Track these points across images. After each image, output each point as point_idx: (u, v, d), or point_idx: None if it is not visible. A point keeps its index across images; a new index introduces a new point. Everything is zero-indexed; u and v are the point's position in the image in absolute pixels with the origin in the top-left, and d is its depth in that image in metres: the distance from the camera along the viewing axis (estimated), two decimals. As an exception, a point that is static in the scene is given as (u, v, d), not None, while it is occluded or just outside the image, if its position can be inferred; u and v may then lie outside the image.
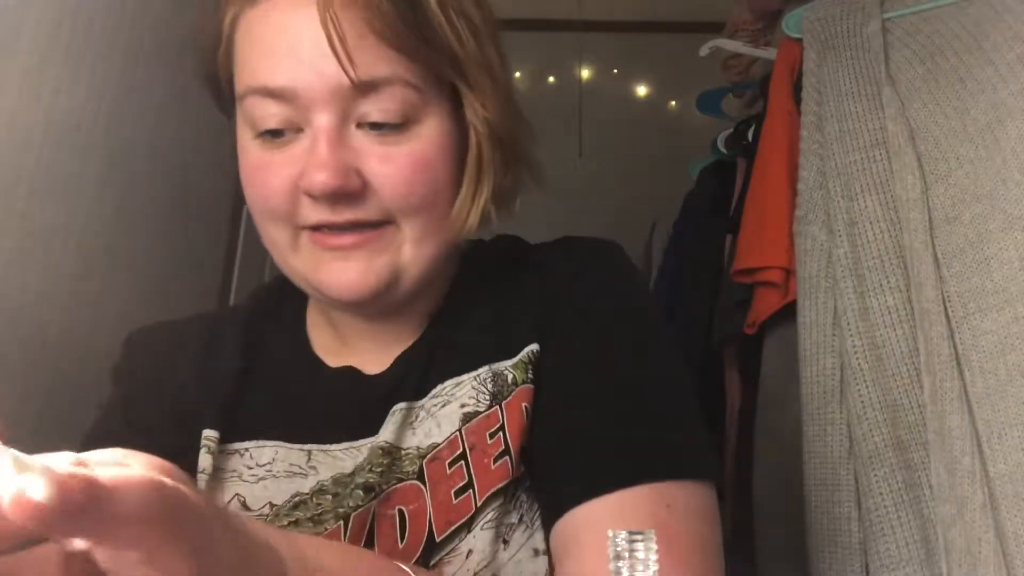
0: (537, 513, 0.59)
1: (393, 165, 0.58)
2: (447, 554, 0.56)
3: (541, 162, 0.68)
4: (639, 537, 0.32)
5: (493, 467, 0.58)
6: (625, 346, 0.62)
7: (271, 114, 0.58)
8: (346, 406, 0.64)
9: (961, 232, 1.05)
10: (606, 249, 0.68)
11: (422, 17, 0.57)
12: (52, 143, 0.89)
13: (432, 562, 0.56)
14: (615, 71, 2.83)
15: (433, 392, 0.62)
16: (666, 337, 0.65)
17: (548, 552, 0.57)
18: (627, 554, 0.31)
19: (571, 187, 2.34)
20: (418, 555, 0.56)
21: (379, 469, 0.59)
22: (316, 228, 0.59)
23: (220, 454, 0.63)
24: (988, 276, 1.01)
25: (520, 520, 0.58)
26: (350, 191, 0.57)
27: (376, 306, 0.63)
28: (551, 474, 0.58)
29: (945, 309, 1.04)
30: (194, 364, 0.68)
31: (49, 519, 0.24)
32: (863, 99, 1.18)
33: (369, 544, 0.58)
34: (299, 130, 0.58)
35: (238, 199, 1.35)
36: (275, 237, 0.62)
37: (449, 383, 0.62)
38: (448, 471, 0.58)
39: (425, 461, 0.59)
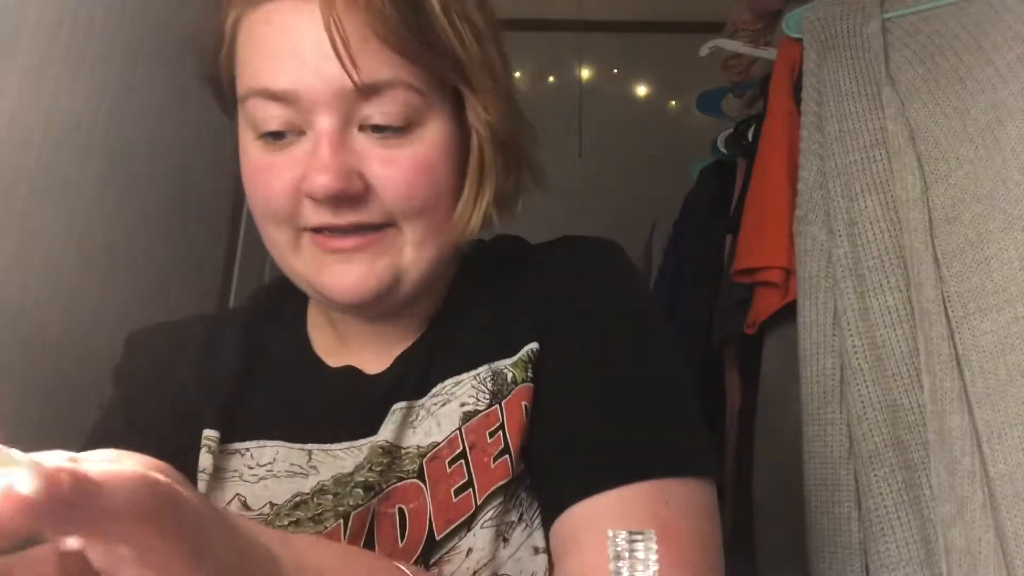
0: (537, 511, 0.59)
1: (395, 168, 0.58)
2: (447, 552, 0.56)
3: (542, 164, 0.68)
4: (639, 537, 0.32)
5: (493, 466, 0.58)
6: (624, 345, 0.62)
7: (273, 116, 0.58)
8: (346, 406, 0.64)
9: (961, 232, 1.05)
10: (606, 248, 0.68)
11: (425, 21, 0.57)
12: (52, 143, 0.89)
13: (432, 560, 0.56)
14: (615, 71, 2.83)
15: (433, 391, 0.62)
16: (666, 336, 0.65)
17: (548, 550, 0.58)
18: (627, 554, 0.31)
19: (571, 187, 2.34)
20: (418, 553, 0.56)
21: (379, 468, 0.59)
22: (318, 230, 0.60)
23: (221, 454, 0.63)
24: (988, 276, 1.01)
25: (520, 518, 0.58)
26: (352, 194, 0.57)
27: (377, 308, 0.63)
28: (551, 472, 0.58)
29: (945, 309, 1.04)
30: (195, 364, 0.68)
31: (37, 513, 0.24)
32: (863, 99, 1.18)
33: (369, 543, 0.58)
34: (301, 132, 0.58)
35: (238, 199, 1.35)
36: (276, 238, 0.62)
37: (449, 382, 0.62)
38: (448, 470, 0.59)
39: (425, 460, 0.59)
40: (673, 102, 2.80)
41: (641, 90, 2.83)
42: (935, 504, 1.01)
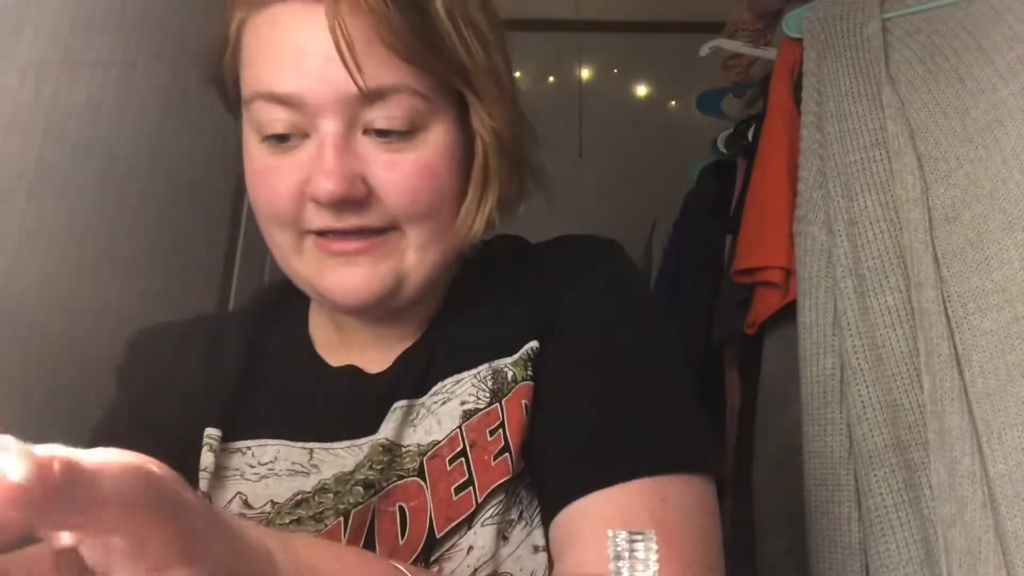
0: (537, 510, 0.59)
1: (399, 172, 0.58)
2: (448, 550, 0.56)
3: (544, 167, 0.68)
4: (639, 537, 0.32)
5: (493, 464, 0.58)
6: (624, 343, 0.62)
7: (277, 119, 0.58)
8: (348, 404, 0.65)
9: (961, 232, 1.05)
10: (606, 248, 0.68)
11: (430, 26, 0.58)
12: (52, 143, 0.89)
13: (433, 558, 0.56)
14: (615, 71, 2.83)
15: (434, 390, 0.63)
16: (665, 335, 0.65)
17: (547, 549, 0.58)
18: (627, 554, 0.31)
19: (571, 187, 2.35)
20: (418, 551, 0.56)
21: (379, 466, 0.59)
22: (321, 233, 0.60)
23: (222, 452, 0.63)
24: (988, 276, 1.01)
25: (520, 517, 0.58)
26: (355, 198, 0.58)
27: (379, 311, 0.63)
28: (550, 470, 0.58)
29: (945, 309, 1.04)
30: (197, 364, 0.68)
31: (29, 501, 0.24)
32: (863, 99, 1.18)
33: (370, 541, 0.58)
34: (305, 135, 0.58)
35: (238, 199, 1.35)
36: (279, 240, 0.62)
37: (449, 381, 0.62)
38: (448, 468, 0.59)
39: (425, 458, 0.60)
40: (673, 102, 2.80)
41: (641, 90, 2.83)
42: (935, 504, 1.01)
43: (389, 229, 0.60)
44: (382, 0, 0.55)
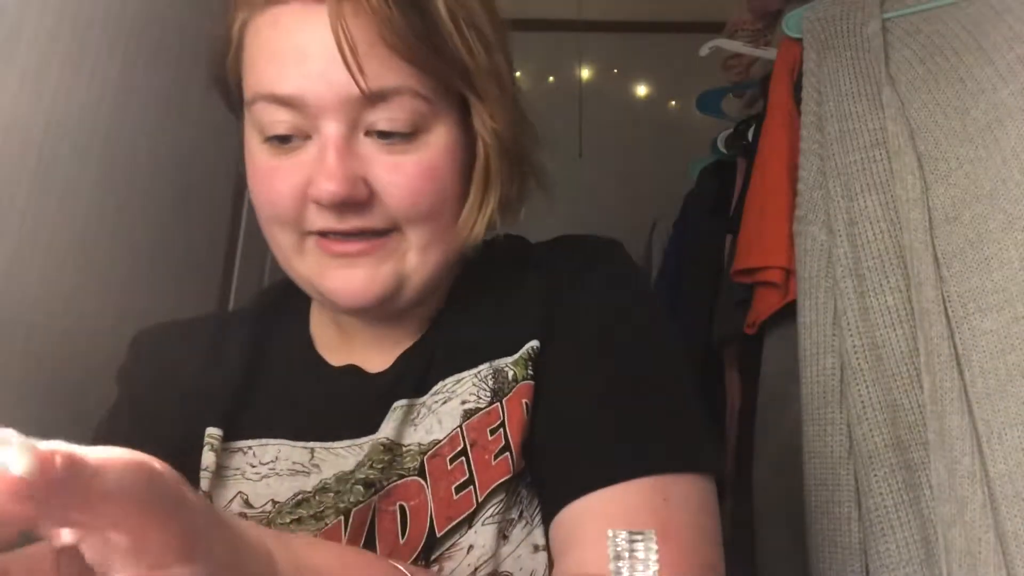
0: (537, 509, 0.59)
1: (400, 174, 0.58)
2: (448, 549, 0.56)
3: (546, 169, 0.68)
4: (639, 537, 0.32)
5: (494, 463, 0.58)
6: (625, 343, 0.62)
7: (279, 120, 0.58)
8: (348, 404, 0.65)
9: (961, 232, 1.05)
10: (606, 247, 0.68)
11: (433, 28, 0.57)
12: (52, 143, 0.89)
13: (433, 557, 0.56)
14: (615, 71, 2.83)
15: (434, 389, 0.63)
16: (667, 334, 0.65)
17: (547, 548, 0.58)
18: (627, 554, 0.31)
19: (571, 187, 2.35)
20: (419, 550, 0.56)
21: (380, 465, 0.59)
22: (322, 234, 0.60)
23: (223, 452, 0.63)
24: (988, 276, 1.01)
25: (520, 516, 0.58)
26: (357, 200, 0.58)
27: (380, 312, 0.63)
28: (551, 469, 0.58)
29: (945, 309, 1.04)
30: (199, 363, 0.68)
31: (31, 494, 0.24)
32: (863, 99, 1.18)
33: (370, 540, 0.58)
34: (307, 137, 0.58)
35: (238, 199, 1.35)
36: (281, 241, 0.62)
37: (450, 380, 0.63)
38: (449, 467, 0.59)
39: (426, 457, 0.60)
40: (673, 102, 2.80)
41: (641, 90, 2.83)
42: (935, 504, 1.01)
43: (390, 230, 0.60)
44: (384, 1, 0.55)
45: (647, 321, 0.65)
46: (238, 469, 0.63)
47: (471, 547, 0.56)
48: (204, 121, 1.13)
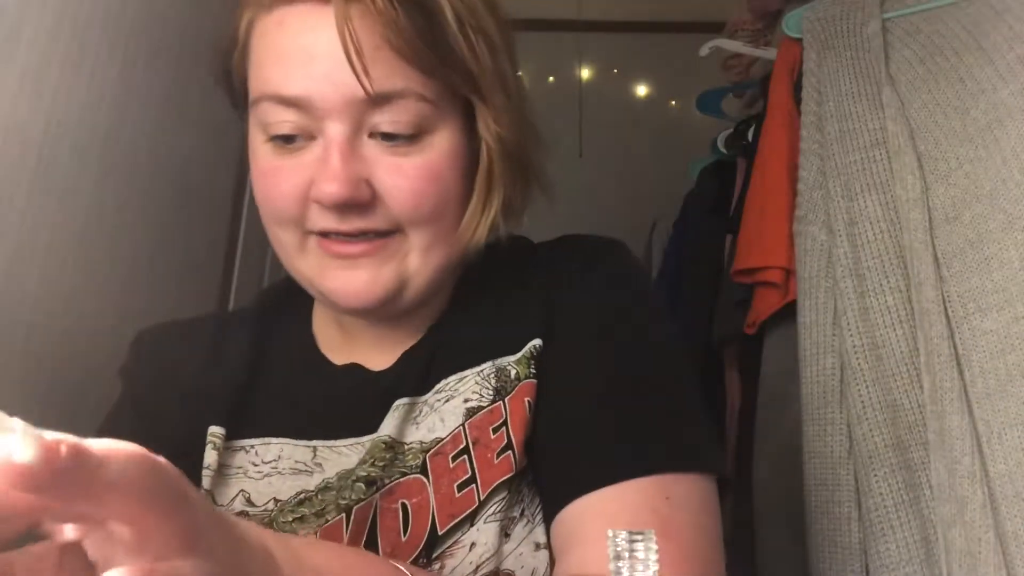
0: (538, 507, 0.59)
1: (403, 176, 0.59)
2: (450, 547, 0.57)
3: (549, 174, 0.68)
4: (639, 537, 0.32)
5: (496, 461, 0.58)
6: (627, 342, 0.62)
7: (284, 121, 0.58)
8: (351, 402, 0.65)
9: (961, 232, 1.05)
10: (607, 247, 0.68)
11: (439, 32, 0.58)
12: (52, 143, 0.89)
13: (435, 555, 0.56)
14: (615, 71, 2.83)
15: (437, 387, 0.63)
16: (668, 333, 0.65)
17: (549, 546, 0.58)
18: (627, 554, 0.31)
19: (571, 187, 2.35)
20: (421, 548, 0.57)
21: (381, 463, 0.60)
22: (324, 234, 0.60)
23: (226, 451, 0.64)
24: (988, 276, 1.01)
25: (522, 514, 0.59)
26: (359, 202, 0.58)
27: (382, 313, 0.63)
28: (552, 468, 0.59)
29: (945, 309, 1.04)
30: (201, 362, 0.69)
31: (36, 482, 0.24)
32: (863, 99, 1.18)
33: (372, 537, 0.58)
34: (311, 137, 0.59)
35: (238, 199, 1.35)
36: (283, 240, 0.62)
37: (452, 378, 0.63)
38: (451, 465, 0.59)
39: (428, 455, 0.60)
40: (673, 102, 2.80)
41: (641, 90, 2.83)
42: (935, 504, 1.01)
43: (392, 232, 0.60)
44: (391, 4, 0.55)
45: (647, 321, 0.65)
46: (240, 468, 0.63)
47: (473, 545, 0.56)
48: (204, 121, 1.13)
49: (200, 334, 0.71)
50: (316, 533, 0.59)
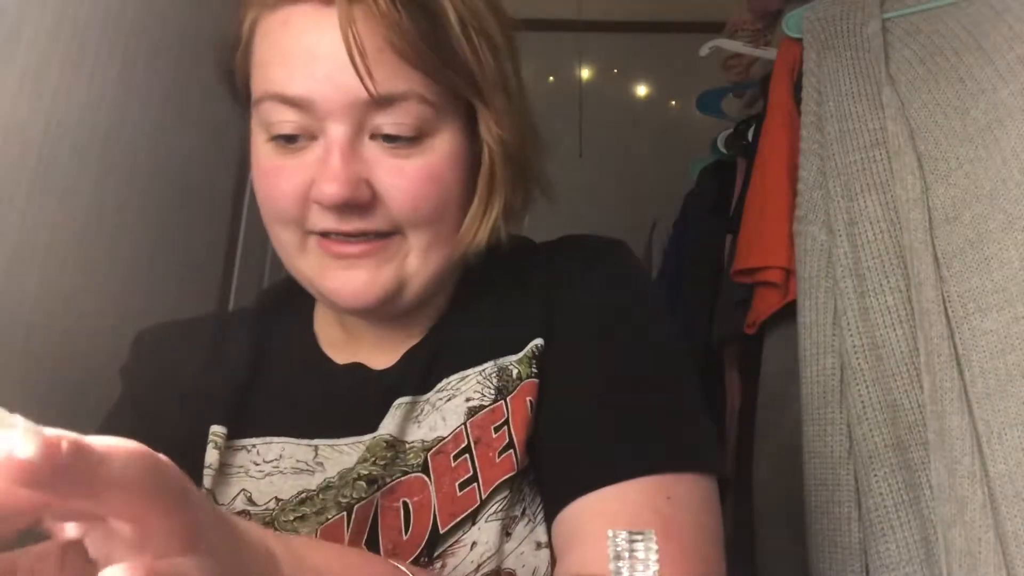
0: (540, 507, 0.59)
1: (403, 178, 0.59)
2: (451, 546, 0.57)
3: (551, 178, 0.69)
4: (639, 537, 0.32)
5: (498, 460, 0.58)
6: (628, 342, 0.62)
7: (286, 120, 0.58)
8: (352, 401, 0.65)
9: (961, 232, 1.05)
10: (607, 247, 0.69)
11: (442, 35, 0.58)
12: (52, 143, 0.89)
13: (436, 553, 0.57)
14: (615, 71, 2.83)
15: (438, 386, 0.63)
16: (669, 333, 0.65)
17: (550, 546, 0.58)
18: (627, 554, 0.31)
19: (571, 187, 2.34)
20: (422, 546, 0.57)
21: (383, 462, 0.60)
22: (324, 234, 0.60)
23: (227, 450, 0.64)
24: (988, 276, 1.01)
25: (523, 513, 0.59)
26: (359, 203, 0.58)
27: (381, 313, 0.63)
28: (553, 467, 0.59)
29: (945, 309, 1.04)
30: (202, 362, 0.69)
31: (37, 478, 0.24)
32: (863, 99, 1.18)
33: (373, 535, 0.58)
34: (313, 137, 0.59)
35: (238, 199, 1.35)
36: (283, 239, 0.62)
37: (454, 378, 0.63)
38: (453, 464, 0.59)
39: (430, 454, 0.60)
40: (673, 102, 2.80)
41: (641, 90, 2.83)
42: (935, 504, 1.01)
43: (392, 233, 0.60)
44: (394, 7, 0.55)
45: (647, 321, 0.65)
46: (241, 467, 0.64)
47: (474, 544, 0.56)
48: (204, 121, 1.13)
49: (200, 334, 0.72)
50: (317, 532, 0.59)
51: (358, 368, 0.67)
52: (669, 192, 2.05)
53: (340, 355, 0.69)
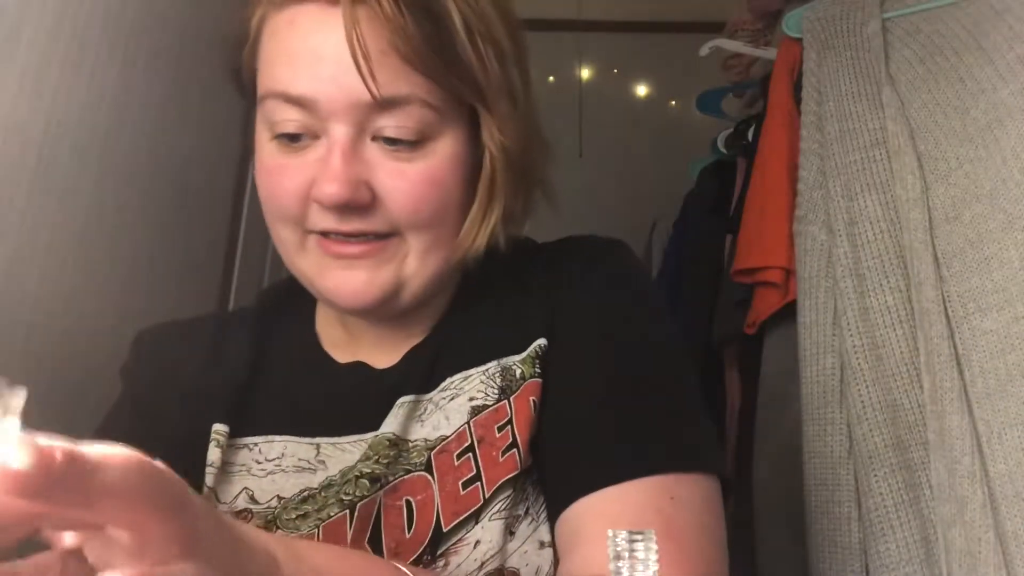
0: (543, 506, 0.59)
1: (404, 180, 0.59)
2: (454, 544, 0.57)
3: (554, 184, 0.69)
4: (639, 537, 0.32)
5: (501, 459, 0.58)
6: (630, 342, 0.63)
7: (290, 119, 0.58)
8: (355, 399, 0.65)
9: (961, 232, 1.05)
10: (607, 247, 0.69)
11: (447, 40, 0.58)
12: (52, 143, 0.89)
13: (439, 551, 0.57)
14: (615, 71, 2.83)
15: (442, 386, 0.63)
16: (671, 333, 0.65)
17: (553, 544, 0.58)
18: (627, 554, 0.31)
19: (571, 187, 2.35)
20: (425, 545, 0.57)
21: (385, 460, 0.60)
22: (324, 233, 0.60)
23: (229, 448, 0.64)
24: (988, 276, 1.01)
25: (526, 512, 0.59)
26: (359, 204, 0.58)
27: (381, 313, 0.64)
28: (557, 467, 0.59)
29: (945, 309, 1.04)
30: (203, 361, 0.69)
31: (33, 488, 0.24)
32: (863, 99, 1.18)
33: (376, 533, 0.58)
34: (316, 137, 0.59)
35: (238, 199, 1.35)
36: (284, 237, 0.63)
37: (457, 377, 0.63)
38: (456, 463, 0.59)
39: (433, 453, 0.60)
40: (673, 102, 2.80)
41: (641, 90, 2.83)
42: (935, 504, 1.01)
43: (391, 234, 0.60)
44: (399, 10, 0.55)
45: (647, 321, 0.65)
46: (244, 465, 0.64)
47: (478, 542, 0.57)
48: (204, 121, 1.13)
49: (200, 333, 0.72)
50: (319, 529, 0.59)
51: (360, 367, 0.67)
52: (669, 192, 2.05)
53: (341, 354, 0.69)
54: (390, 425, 0.61)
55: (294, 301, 0.73)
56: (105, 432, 0.67)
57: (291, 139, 0.59)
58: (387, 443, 0.60)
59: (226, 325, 0.73)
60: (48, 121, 0.89)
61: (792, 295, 1.22)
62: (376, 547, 0.58)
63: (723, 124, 1.80)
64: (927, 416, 1.03)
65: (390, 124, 0.58)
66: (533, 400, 0.60)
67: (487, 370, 0.62)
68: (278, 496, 0.62)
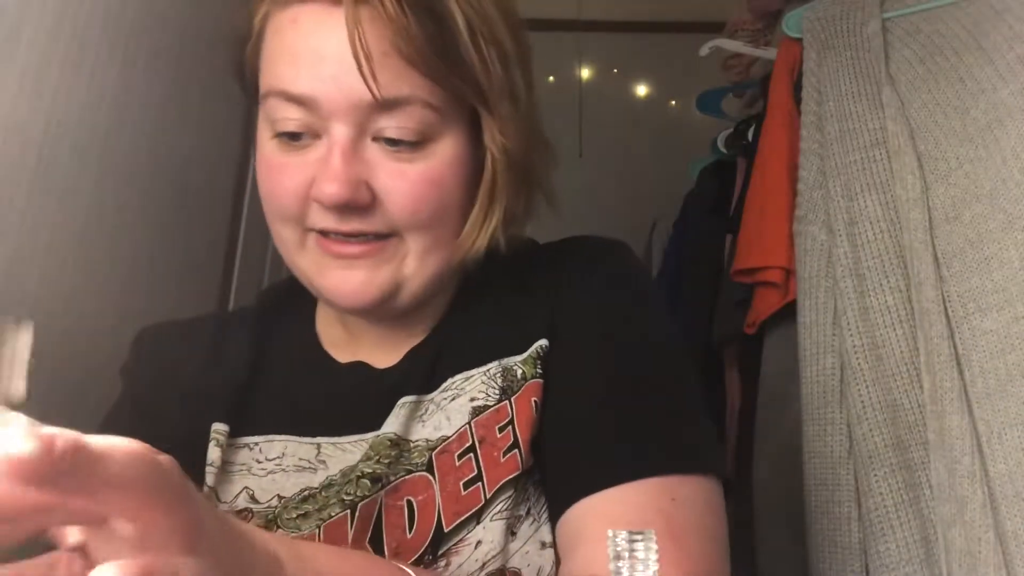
0: (544, 506, 0.60)
1: (404, 181, 0.59)
2: (456, 544, 0.57)
3: (555, 187, 0.69)
4: (639, 537, 0.32)
5: (503, 460, 0.58)
6: (631, 343, 0.63)
7: (291, 118, 0.58)
8: (355, 399, 0.65)
9: (961, 232, 1.05)
10: (607, 247, 0.69)
11: (450, 41, 0.58)
12: (52, 143, 0.89)
13: (440, 552, 0.57)
14: (615, 71, 2.83)
15: (443, 386, 0.63)
16: (671, 334, 0.65)
17: (555, 545, 0.58)
18: (627, 554, 0.31)
19: (571, 187, 2.35)
20: (426, 545, 0.57)
21: (386, 460, 0.60)
22: (323, 233, 0.60)
23: (229, 448, 0.64)
24: (988, 276, 1.01)
25: (528, 513, 0.59)
26: (358, 204, 0.58)
27: (380, 313, 0.64)
28: (558, 467, 0.59)
29: (945, 309, 1.04)
30: (203, 360, 0.69)
31: (36, 477, 0.24)
32: (863, 99, 1.18)
33: (377, 533, 0.58)
34: (317, 136, 0.59)
35: (238, 199, 1.35)
36: (284, 236, 0.63)
37: (459, 377, 0.63)
38: (457, 463, 0.59)
39: (434, 453, 0.60)
40: (673, 102, 2.80)
41: (641, 90, 2.83)
42: (935, 504, 1.01)
43: (390, 235, 0.60)
44: (402, 10, 0.55)
45: (647, 321, 0.65)
46: (244, 465, 0.64)
47: (479, 543, 0.57)
48: (204, 121, 1.13)
49: (200, 333, 0.72)
50: (320, 529, 0.59)
51: (360, 367, 0.67)
52: (669, 192, 2.05)
53: (342, 354, 0.69)
54: (391, 425, 0.61)
55: (294, 301, 0.73)
56: (105, 431, 0.67)
57: (292, 138, 0.59)
58: (388, 443, 0.60)
59: (226, 325, 0.73)
60: (48, 121, 0.89)
61: (792, 295, 1.22)
62: (377, 547, 0.58)
63: (723, 124, 1.80)
64: (927, 416, 1.03)
65: (391, 125, 0.58)
66: (534, 401, 0.60)
67: (488, 370, 0.62)
68: (278, 496, 0.62)
